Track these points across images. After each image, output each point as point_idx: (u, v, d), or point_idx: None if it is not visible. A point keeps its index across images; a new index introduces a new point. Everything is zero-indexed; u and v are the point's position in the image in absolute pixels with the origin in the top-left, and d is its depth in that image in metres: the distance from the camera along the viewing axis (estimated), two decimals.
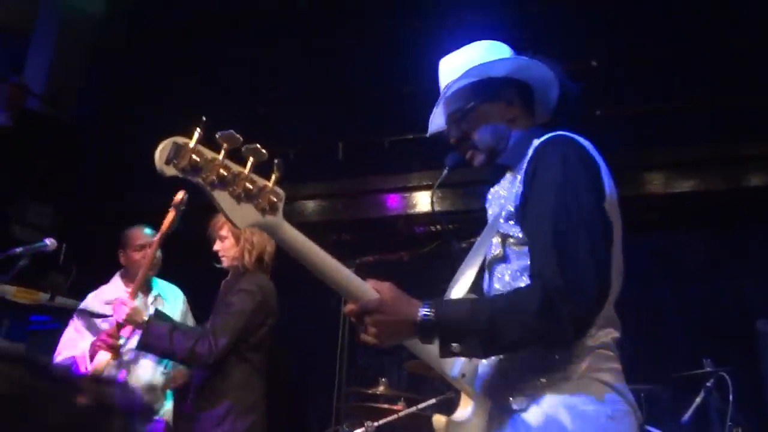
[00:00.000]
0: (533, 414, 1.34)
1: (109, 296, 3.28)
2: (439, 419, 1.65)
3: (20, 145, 5.36)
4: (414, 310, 1.32)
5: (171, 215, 2.92)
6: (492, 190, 1.59)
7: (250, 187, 1.24)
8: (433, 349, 1.35)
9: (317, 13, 5.66)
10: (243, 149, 1.24)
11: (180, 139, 1.17)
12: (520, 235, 1.44)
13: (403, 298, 1.35)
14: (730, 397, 3.41)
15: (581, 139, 1.47)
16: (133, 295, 2.91)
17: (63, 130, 5.68)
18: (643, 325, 4.88)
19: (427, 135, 1.74)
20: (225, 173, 1.19)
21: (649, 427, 3.24)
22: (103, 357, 2.84)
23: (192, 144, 1.17)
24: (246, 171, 1.25)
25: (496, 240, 1.50)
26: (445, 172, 1.71)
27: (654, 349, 4.70)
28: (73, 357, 3.07)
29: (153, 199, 5.33)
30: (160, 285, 3.54)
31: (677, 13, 4.92)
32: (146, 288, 3.39)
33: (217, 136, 1.20)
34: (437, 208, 4.59)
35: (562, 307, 1.23)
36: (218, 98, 5.65)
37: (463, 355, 1.36)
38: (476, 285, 1.57)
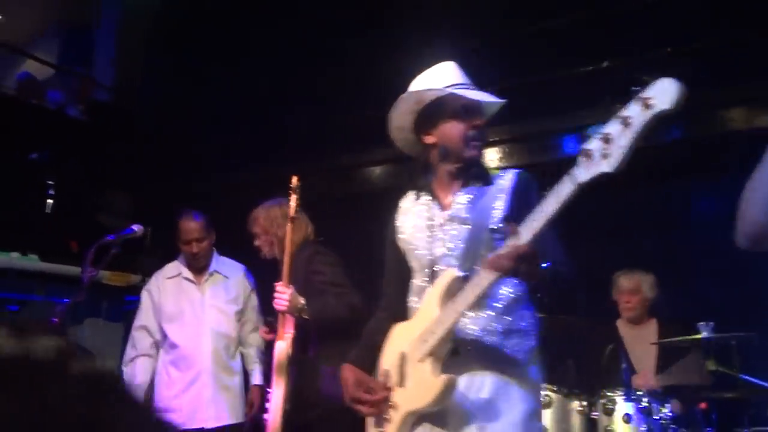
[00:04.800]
0: None
1: (170, 273, 3.49)
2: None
3: (94, 137, 5.59)
4: None
5: (293, 199, 2.88)
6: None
7: None
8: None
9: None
10: None
11: None
12: None
13: None
14: None
15: None
16: (286, 283, 2.80)
17: (131, 118, 5.87)
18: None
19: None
20: None
21: (742, 376, 3.14)
22: (282, 346, 2.77)
23: None
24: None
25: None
26: None
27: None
28: None
29: (217, 180, 5.50)
30: (220, 261, 3.53)
31: None
32: (203, 268, 3.46)
33: None
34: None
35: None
36: (280, 77, 5.70)
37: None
38: None
